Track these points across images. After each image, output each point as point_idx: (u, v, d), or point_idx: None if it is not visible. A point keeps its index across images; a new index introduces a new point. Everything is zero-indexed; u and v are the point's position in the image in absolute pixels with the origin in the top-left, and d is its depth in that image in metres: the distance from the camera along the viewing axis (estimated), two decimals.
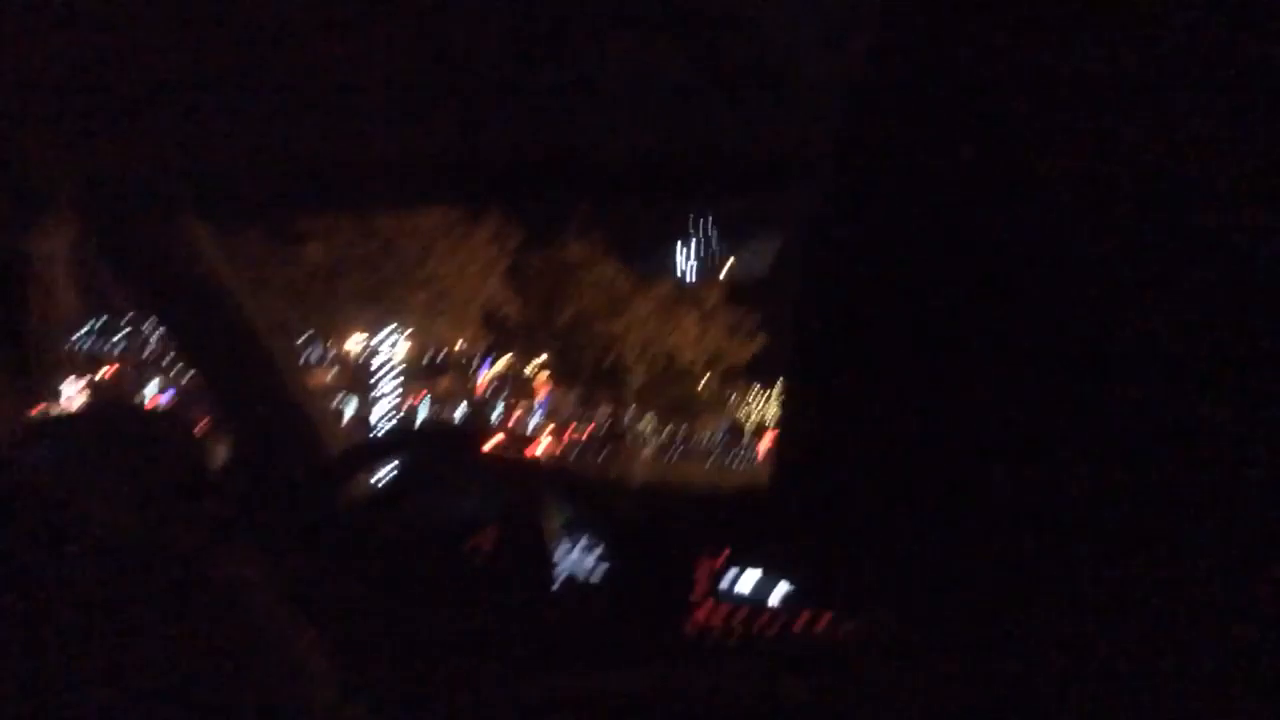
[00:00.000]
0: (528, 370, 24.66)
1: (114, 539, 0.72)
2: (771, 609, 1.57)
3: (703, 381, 23.01)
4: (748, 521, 1.66)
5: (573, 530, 1.81)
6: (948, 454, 0.37)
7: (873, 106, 0.41)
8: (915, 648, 0.48)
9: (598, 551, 1.84)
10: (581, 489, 1.82)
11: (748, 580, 1.60)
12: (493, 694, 1.35)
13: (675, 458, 22.82)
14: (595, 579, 1.78)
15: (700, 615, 1.59)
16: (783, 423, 0.45)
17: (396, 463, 1.78)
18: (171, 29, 1.10)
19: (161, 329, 1.76)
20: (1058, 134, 0.33)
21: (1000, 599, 0.38)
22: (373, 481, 1.94)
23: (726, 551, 1.62)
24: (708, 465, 23.53)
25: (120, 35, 1.11)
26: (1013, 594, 0.38)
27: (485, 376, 24.35)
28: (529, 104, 1.27)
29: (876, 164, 0.40)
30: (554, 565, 1.42)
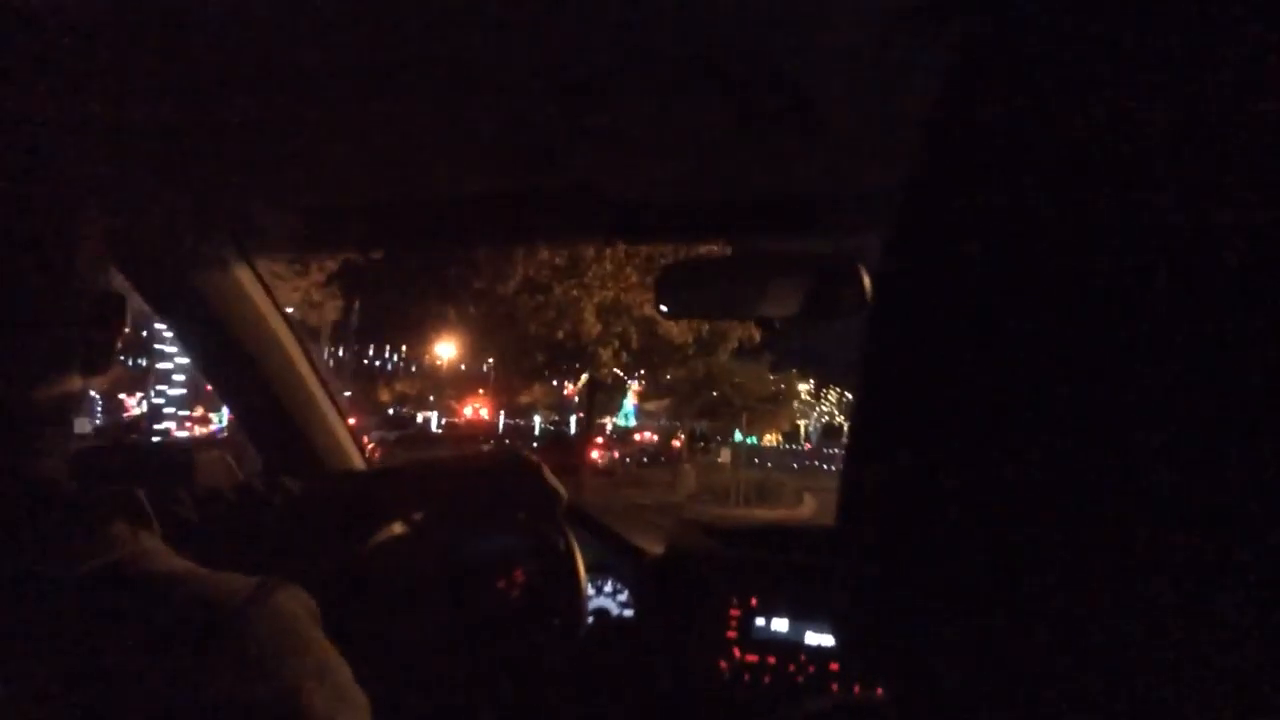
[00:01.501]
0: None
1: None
2: (808, 657, 1.55)
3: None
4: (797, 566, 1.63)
5: (601, 570, 1.80)
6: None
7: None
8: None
9: (624, 593, 1.83)
10: (608, 530, 1.81)
11: (781, 625, 1.58)
12: None
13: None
14: (622, 619, 1.77)
15: (731, 659, 1.57)
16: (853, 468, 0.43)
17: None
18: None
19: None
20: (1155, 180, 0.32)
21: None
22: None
23: (757, 596, 1.60)
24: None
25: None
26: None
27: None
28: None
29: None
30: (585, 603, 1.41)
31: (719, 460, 28.08)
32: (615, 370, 20.30)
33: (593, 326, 17.23)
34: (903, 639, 0.40)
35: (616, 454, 28.23)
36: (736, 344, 20.30)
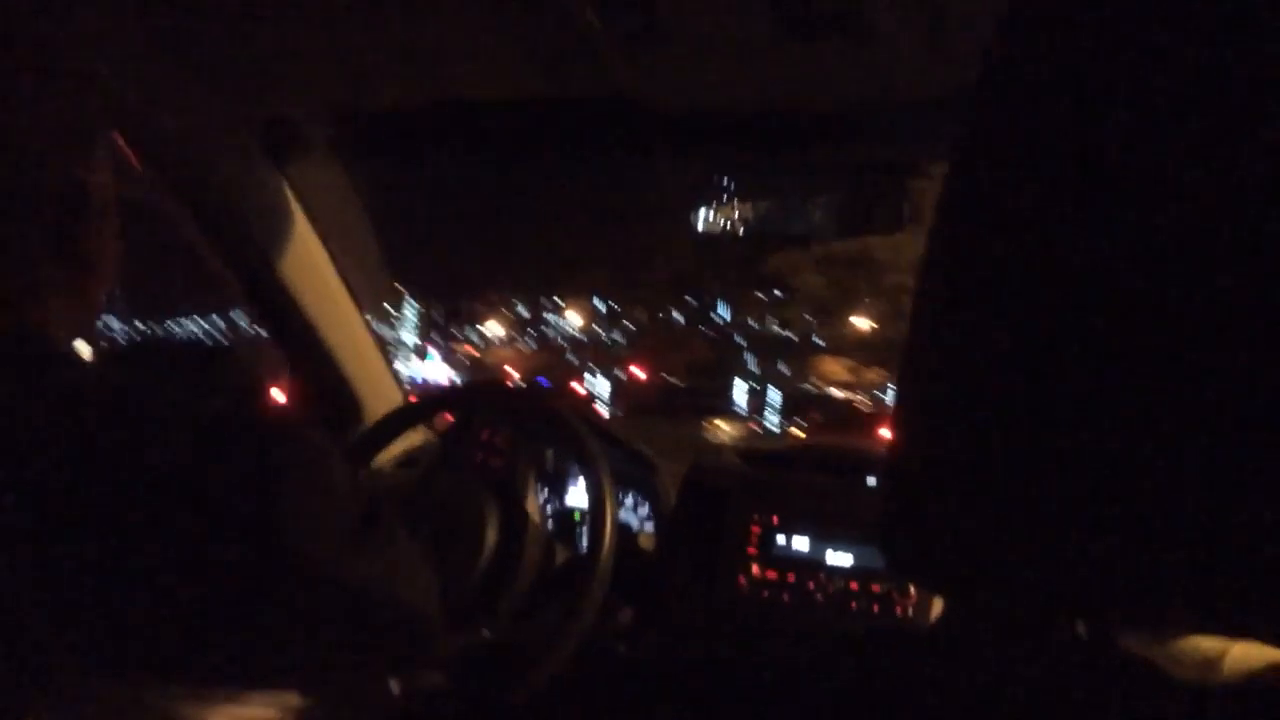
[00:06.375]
0: None
1: None
2: (827, 575, 1.55)
3: None
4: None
5: (624, 484, 1.81)
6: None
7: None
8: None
9: (646, 508, 1.84)
10: (630, 445, 1.81)
11: (802, 543, 1.58)
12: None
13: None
14: (645, 533, 1.78)
15: (750, 575, 1.57)
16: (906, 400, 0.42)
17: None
18: None
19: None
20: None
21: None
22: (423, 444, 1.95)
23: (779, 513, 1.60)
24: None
25: None
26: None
27: None
28: None
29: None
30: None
31: None
32: None
33: None
34: (948, 556, 0.40)
35: None
36: None
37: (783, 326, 28.08)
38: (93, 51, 1.09)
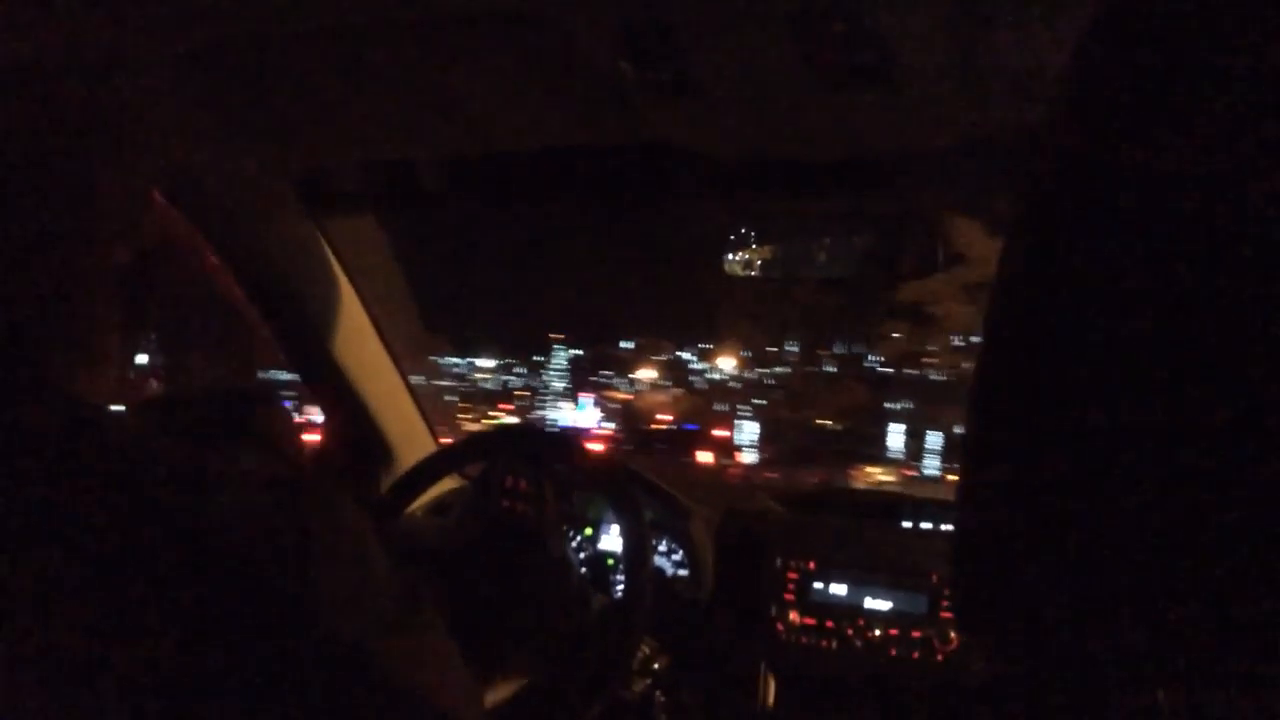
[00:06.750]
0: None
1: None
2: (867, 621, 1.54)
3: None
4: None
5: (657, 530, 1.80)
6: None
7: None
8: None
9: (680, 554, 1.83)
10: (666, 491, 1.81)
11: (840, 589, 1.57)
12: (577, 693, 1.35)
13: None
14: (680, 579, 1.77)
15: (788, 621, 1.56)
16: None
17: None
18: None
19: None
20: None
21: None
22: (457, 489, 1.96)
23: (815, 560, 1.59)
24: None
25: None
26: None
27: None
28: None
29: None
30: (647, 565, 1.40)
31: None
32: None
33: None
34: (1018, 602, 0.39)
35: None
36: None
37: (925, 362, 27.03)
38: (141, 111, 1.11)
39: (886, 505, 1.73)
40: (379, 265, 1.90)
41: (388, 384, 1.94)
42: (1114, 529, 0.34)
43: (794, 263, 1.77)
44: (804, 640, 1.55)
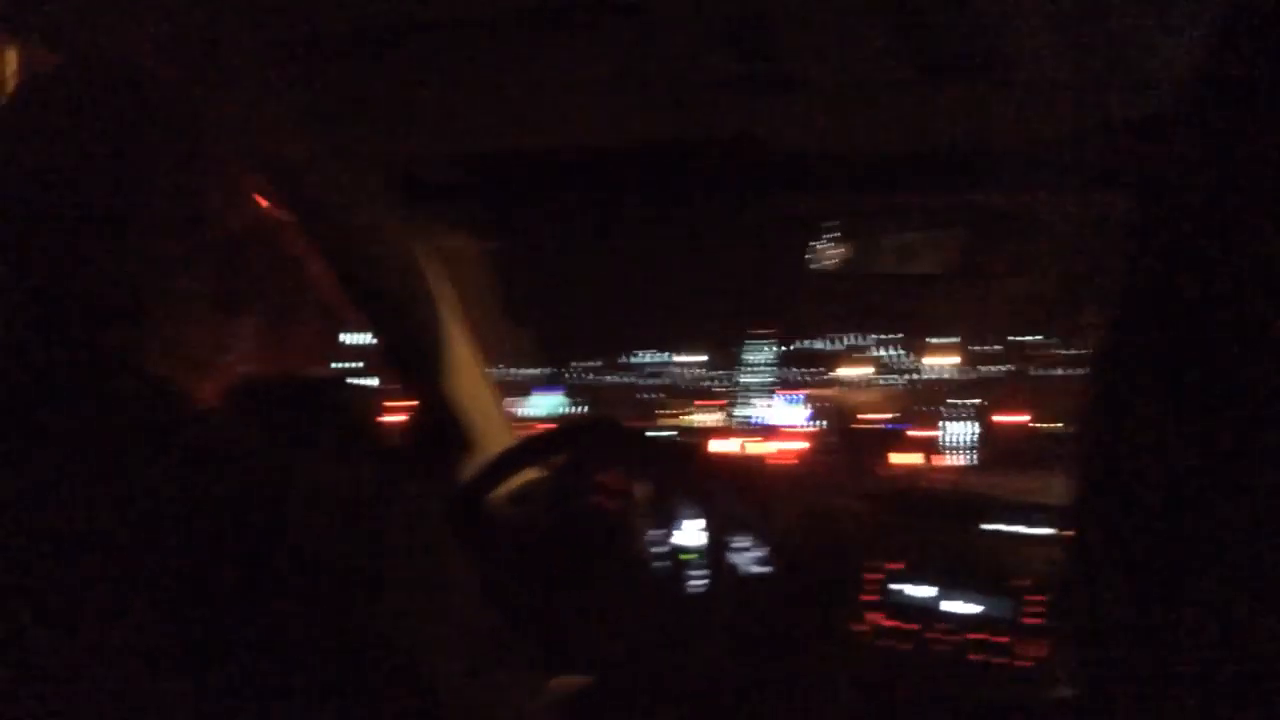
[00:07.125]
0: None
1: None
2: (950, 625, 1.51)
3: None
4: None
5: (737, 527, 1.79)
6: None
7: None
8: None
9: (759, 551, 1.81)
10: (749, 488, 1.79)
11: (923, 591, 1.54)
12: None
13: None
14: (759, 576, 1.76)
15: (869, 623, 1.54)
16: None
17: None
18: None
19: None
20: None
21: None
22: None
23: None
24: None
25: None
26: None
27: None
28: None
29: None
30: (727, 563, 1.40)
31: None
32: None
33: None
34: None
35: None
36: None
37: None
38: (238, 101, 1.14)
39: (971, 506, 1.69)
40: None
41: (469, 376, 1.96)
42: (1263, 550, 0.33)
43: (874, 257, 1.75)
44: (883, 642, 1.52)
